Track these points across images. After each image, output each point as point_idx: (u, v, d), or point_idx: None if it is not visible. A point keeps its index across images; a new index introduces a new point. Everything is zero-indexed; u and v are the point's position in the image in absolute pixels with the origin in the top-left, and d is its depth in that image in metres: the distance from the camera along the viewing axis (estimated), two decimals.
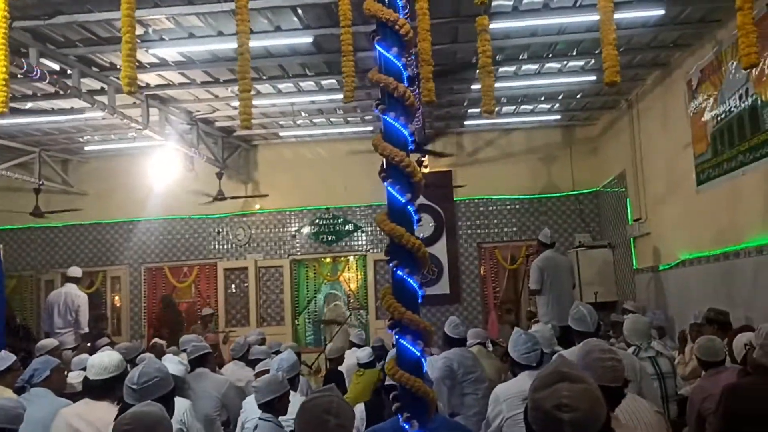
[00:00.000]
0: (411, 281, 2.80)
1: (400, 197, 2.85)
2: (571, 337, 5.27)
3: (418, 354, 2.75)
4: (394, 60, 2.88)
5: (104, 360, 4.03)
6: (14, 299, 12.07)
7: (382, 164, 2.89)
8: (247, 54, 3.38)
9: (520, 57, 7.90)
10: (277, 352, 6.06)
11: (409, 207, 2.88)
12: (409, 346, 2.74)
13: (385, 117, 2.87)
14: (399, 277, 2.80)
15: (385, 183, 2.86)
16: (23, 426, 4.11)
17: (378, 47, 2.89)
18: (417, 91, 4.62)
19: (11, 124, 9.40)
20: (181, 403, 4.67)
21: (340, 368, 7.19)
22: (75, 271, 9.96)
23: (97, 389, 3.94)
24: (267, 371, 5.19)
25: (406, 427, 2.67)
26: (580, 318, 4.98)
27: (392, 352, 4.41)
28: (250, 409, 4.74)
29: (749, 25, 3.24)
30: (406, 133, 2.89)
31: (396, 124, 2.87)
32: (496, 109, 10.28)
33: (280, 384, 4.21)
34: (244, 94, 3.39)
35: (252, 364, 6.52)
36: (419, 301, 2.82)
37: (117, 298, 12.22)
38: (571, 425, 1.63)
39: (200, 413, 5.28)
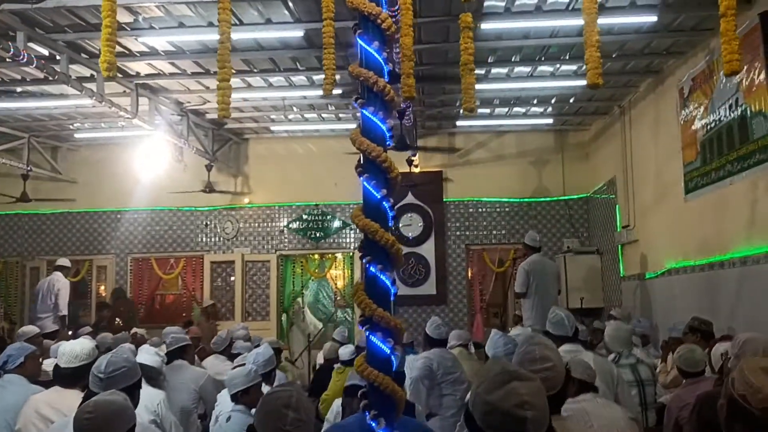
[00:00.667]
0: (384, 278, 2.76)
1: (375, 192, 2.81)
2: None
3: (388, 351, 2.72)
4: (375, 54, 2.85)
5: (75, 348, 4.00)
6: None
7: (359, 159, 2.86)
8: (227, 43, 3.35)
9: (513, 59, 7.89)
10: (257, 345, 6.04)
11: (384, 203, 2.84)
12: (379, 343, 2.71)
13: (364, 111, 2.84)
14: (372, 274, 2.76)
15: (361, 178, 2.83)
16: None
17: (359, 41, 2.86)
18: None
19: (0, 108, 9.33)
20: (155, 394, 4.64)
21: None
22: (63, 261, 10.26)
23: (68, 377, 3.91)
24: (244, 365, 5.16)
25: (373, 425, 2.64)
26: (557, 322, 4.99)
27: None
28: (224, 402, 4.72)
29: (731, 32, 3.23)
30: (384, 128, 2.86)
31: (374, 118, 2.83)
32: (489, 111, 10.33)
33: (246, 376, 4.19)
34: (223, 83, 3.35)
35: (234, 358, 6.50)
36: (392, 298, 2.79)
37: (102, 287, 12.15)
38: (532, 422, 1.63)
39: (176, 405, 5.25)
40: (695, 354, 4.65)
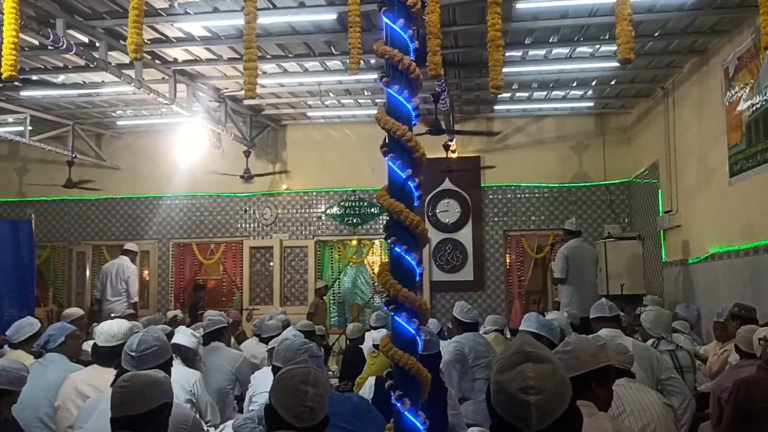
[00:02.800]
0: (409, 258, 2.74)
1: (400, 172, 2.78)
2: (590, 328, 5.24)
3: (413, 332, 2.70)
4: (400, 32, 2.81)
5: (113, 327, 4.09)
6: (47, 269, 12.41)
7: (384, 138, 2.83)
8: (253, 23, 3.35)
9: (550, 40, 7.72)
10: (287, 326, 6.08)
11: (409, 183, 2.80)
12: (404, 323, 2.69)
13: (389, 90, 2.80)
14: (396, 254, 2.74)
15: (386, 158, 2.80)
16: (38, 388, 4.22)
17: (384, 18, 2.82)
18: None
19: (44, 96, 9.58)
20: (191, 375, 4.74)
21: (360, 346, 7.20)
22: (131, 246, 10.51)
23: (105, 356, 4.01)
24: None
25: (398, 405, 2.63)
26: (598, 305, 5.16)
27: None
28: (259, 384, 4.76)
29: None
30: (409, 107, 2.82)
31: (399, 97, 2.80)
32: (527, 95, 10.17)
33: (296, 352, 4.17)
34: (249, 64, 3.36)
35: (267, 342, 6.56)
36: (416, 278, 2.77)
37: (146, 272, 12.42)
38: (537, 407, 1.56)
39: (213, 386, 5.34)
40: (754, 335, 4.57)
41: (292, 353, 3.38)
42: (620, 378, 3.49)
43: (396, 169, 2.78)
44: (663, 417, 3.30)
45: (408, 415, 2.59)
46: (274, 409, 2.32)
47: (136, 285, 10.12)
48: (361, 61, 8.08)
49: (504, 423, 1.63)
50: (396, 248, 2.74)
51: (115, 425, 2.52)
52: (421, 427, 2.58)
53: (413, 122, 2.85)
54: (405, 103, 2.81)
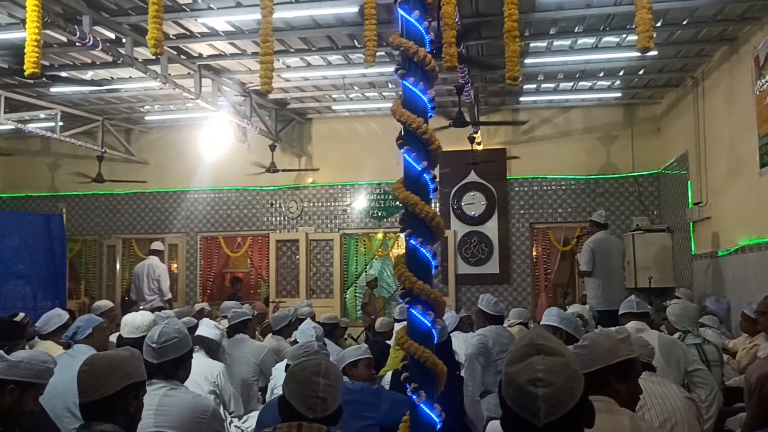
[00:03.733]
0: (424, 251, 2.74)
1: (416, 165, 2.77)
2: (617, 322, 5.20)
3: (429, 324, 2.70)
4: (415, 23, 2.80)
5: (137, 319, 4.17)
6: (78, 262, 12.66)
7: (400, 131, 2.83)
8: (269, 17, 3.37)
9: (576, 30, 7.62)
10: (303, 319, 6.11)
11: (425, 175, 2.80)
12: (419, 316, 2.69)
13: (404, 82, 2.80)
14: (412, 246, 2.74)
15: (402, 150, 2.80)
16: (66, 378, 4.30)
17: (400, 10, 2.81)
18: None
19: (73, 92, 9.75)
20: (215, 366, 4.80)
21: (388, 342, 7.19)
22: (157, 245, 10.92)
23: (129, 347, 4.06)
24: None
25: (414, 397, 2.63)
26: (626, 301, 5.14)
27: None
28: (279, 375, 4.80)
29: None
30: (425, 99, 2.81)
31: (415, 89, 2.79)
32: (553, 86, 10.06)
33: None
34: (266, 57, 3.38)
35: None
36: (432, 271, 2.76)
37: (175, 265, 12.59)
38: (545, 400, 1.55)
39: (237, 378, 5.41)
40: None
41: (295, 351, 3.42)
42: (642, 372, 3.46)
43: (411, 161, 2.78)
44: (685, 411, 3.25)
45: (424, 407, 2.60)
46: (287, 401, 2.34)
47: (167, 282, 10.46)
48: (384, 54, 8.13)
49: (514, 415, 1.62)
50: (411, 241, 2.74)
51: (84, 414, 2.41)
52: (437, 420, 2.59)
53: (429, 114, 2.85)
54: (421, 95, 2.80)
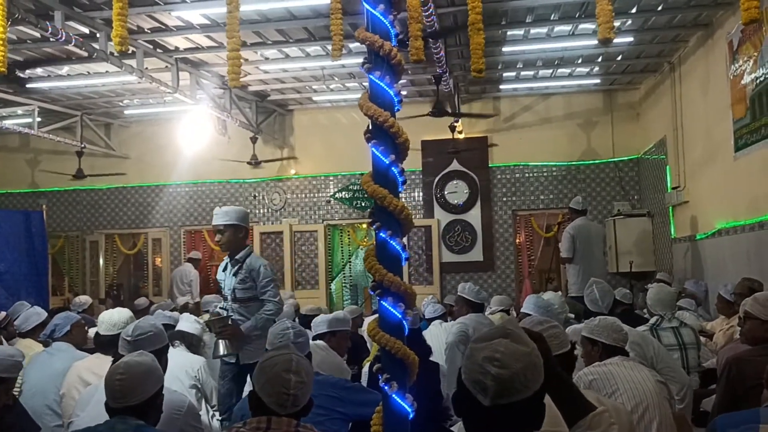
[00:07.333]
0: (393, 243, 2.76)
1: (383, 158, 2.79)
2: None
3: (399, 316, 2.73)
4: (380, 17, 2.81)
5: (114, 316, 4.16)
6: (61, 258, 12.59)
7: (368, 125, 2.85)
8: (236, 12, 3.37)
9: (552, 17, 7.64)
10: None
11: (393, 168, 2.82)
12: (390, 308, 2.72)
13: (371, 76, 2.80)
14: (381, 239, 2.76)
15: (370, 144, 2.82)
16: (46, 376, 4.31)
17: (365, 4, 2.82)
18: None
19: (51, 87, 9.65)
20: (195, 361, 4.81)
21: (360, 331, 7.23)
22: (194, 254, 11.59)
23: (107, 344, 4.08)
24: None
25: (386, 388, 2.67)
26: (592, 300, 5.22)
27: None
28: None
29: None
30: (391, 92, 2.82)
31: (381, 83, 2.80)
32: (533, 73, 10.09)
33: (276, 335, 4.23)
34: (233, 53, 3.38)
35: None
36: (403, 263, 2.79)
37: (158, 259, 12.56)
38: (495, 379, 1.55)
39: (218, 371, 5.42)
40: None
41: (272, 337, 3.45)
42: (614, 356, 3.52)
43: (379, 155, 2.80)
44: (656, 394, 3.31)
45: (395, 397, 2.63)
46: (257, 396, 2.36)
47: (197, 287, 11.10)
48: (361, 45, 8.10)
49: (465, 391, 1.63)
50: (381, 234, 2.77)
51: (113, 413, 2.56)
52: (409, 409, 2.62)
53: (396, 108, 2.86)
54: (387, 89, 2.81)
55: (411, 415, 2.60)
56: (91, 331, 5.00)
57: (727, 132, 7.20)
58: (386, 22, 2.83)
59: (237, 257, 4.77)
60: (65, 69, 8.81)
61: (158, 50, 8.15)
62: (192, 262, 11.29)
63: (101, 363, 4.01)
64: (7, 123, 10.21)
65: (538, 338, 1.75)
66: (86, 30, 7.16)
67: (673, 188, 9.19)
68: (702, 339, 5.57)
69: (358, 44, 8.07)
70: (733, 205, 7.21)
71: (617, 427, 1.74)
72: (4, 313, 5.94)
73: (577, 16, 7.59)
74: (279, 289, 4.64)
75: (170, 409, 2.98)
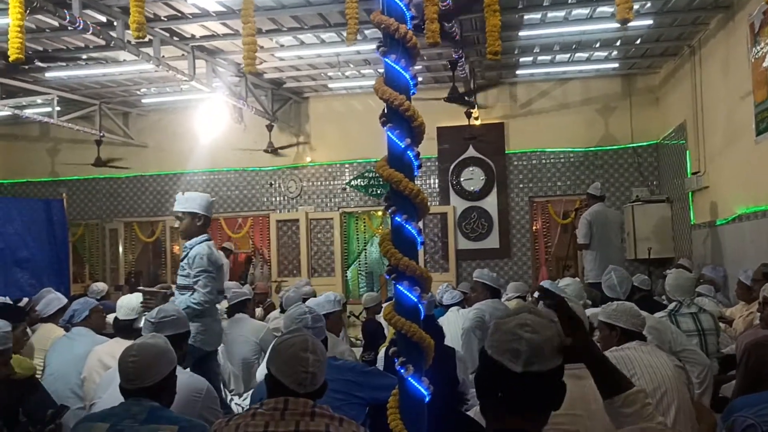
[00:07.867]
0: (409, 227, 2.76)
1: (399, 142, 2.79)
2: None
3: (415, 300, 2.73)
4: (396, 0, 2.80)
5: (132, 301, 4.22)
6: (82, 246, 12.75)
7: (384, 109, 2.84)
8: None
9: (569, 1, 7.56)
10: (306, 299, 6.15)
11: (408, 152, 2.82)
12: (405, 291, 2.73)
13: (386, 59, 2.80)
14: (397, 223, 2.76)
15: (385, 128, 2.81)
16: (67, 360, 4.38)
17: None
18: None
19: (69, 76, 9.72)
20: None
21: (377, 317, 7.26)
22: (227, 244, 11.26)
23: (126, 328, 4.14)
24: None
25: (402, 371, 2.68)
26: (610, 286, 5.23)
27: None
28: None
29: None
30: (407, 76, 2.82)
31: (397, 67, 2.80)
32: (550, 58, 9.99)
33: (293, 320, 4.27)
34: (248, 38, 3.38)
35: None
36: (418, 248, 2.79)
37: (176, 247, 12.66)
38: (528, 344, 1.60)
39: (238, 357, 5.48)
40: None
41: (290, 321, 3.47)
42: (632, 341, 3.50)
43: (395, 138, 2.80)
44: (674, 380, 3.29)
45: (411, 381, 2.65)
46: (275, 378, 2.38)
47: (226, 276, 10.82)
48: (376, 30, 8.06)
49: (492, 365, 1.66)
50: (396, 218, 2.77)
51: (128, 394, 2.61)
52: (425, 392, 2.63)
53: (412, 91, 2.86)
54: (402, 72, 2.80)
55: (427, 398, 2.61)
56: (110, 317, 5.08)
57: (749, 116, 7.09)
58: (401, 5, 2.82)
59: (187, 244, 4.69)
60: (83, 58, 8.86)
61: (174, 38, 8.18)
62: (224, 251, 11.24)
63: (121, 347, 4.03)
64: (28, 112, 10.31)
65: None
66: (103, 18, 7.19)
67: (692, 173, 9.08)
68: (721, 325, 5.52)
69: (373, 30, 8.09)
70: (754, 189, 7.12)
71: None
72: (27, 299, 6.03)
73: None
74: (215, 282, 4.56)
75: (189, 392, 3.02)
